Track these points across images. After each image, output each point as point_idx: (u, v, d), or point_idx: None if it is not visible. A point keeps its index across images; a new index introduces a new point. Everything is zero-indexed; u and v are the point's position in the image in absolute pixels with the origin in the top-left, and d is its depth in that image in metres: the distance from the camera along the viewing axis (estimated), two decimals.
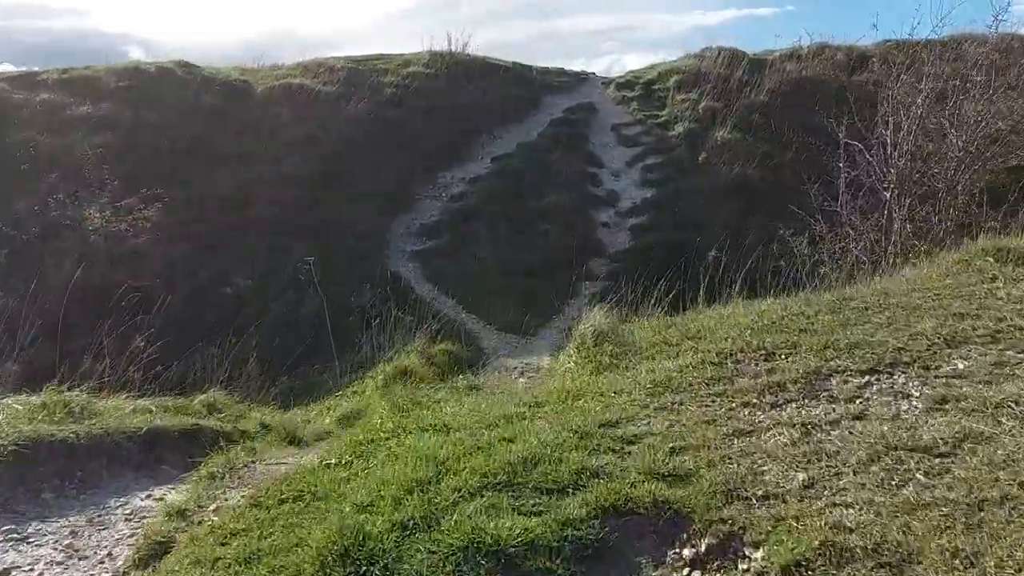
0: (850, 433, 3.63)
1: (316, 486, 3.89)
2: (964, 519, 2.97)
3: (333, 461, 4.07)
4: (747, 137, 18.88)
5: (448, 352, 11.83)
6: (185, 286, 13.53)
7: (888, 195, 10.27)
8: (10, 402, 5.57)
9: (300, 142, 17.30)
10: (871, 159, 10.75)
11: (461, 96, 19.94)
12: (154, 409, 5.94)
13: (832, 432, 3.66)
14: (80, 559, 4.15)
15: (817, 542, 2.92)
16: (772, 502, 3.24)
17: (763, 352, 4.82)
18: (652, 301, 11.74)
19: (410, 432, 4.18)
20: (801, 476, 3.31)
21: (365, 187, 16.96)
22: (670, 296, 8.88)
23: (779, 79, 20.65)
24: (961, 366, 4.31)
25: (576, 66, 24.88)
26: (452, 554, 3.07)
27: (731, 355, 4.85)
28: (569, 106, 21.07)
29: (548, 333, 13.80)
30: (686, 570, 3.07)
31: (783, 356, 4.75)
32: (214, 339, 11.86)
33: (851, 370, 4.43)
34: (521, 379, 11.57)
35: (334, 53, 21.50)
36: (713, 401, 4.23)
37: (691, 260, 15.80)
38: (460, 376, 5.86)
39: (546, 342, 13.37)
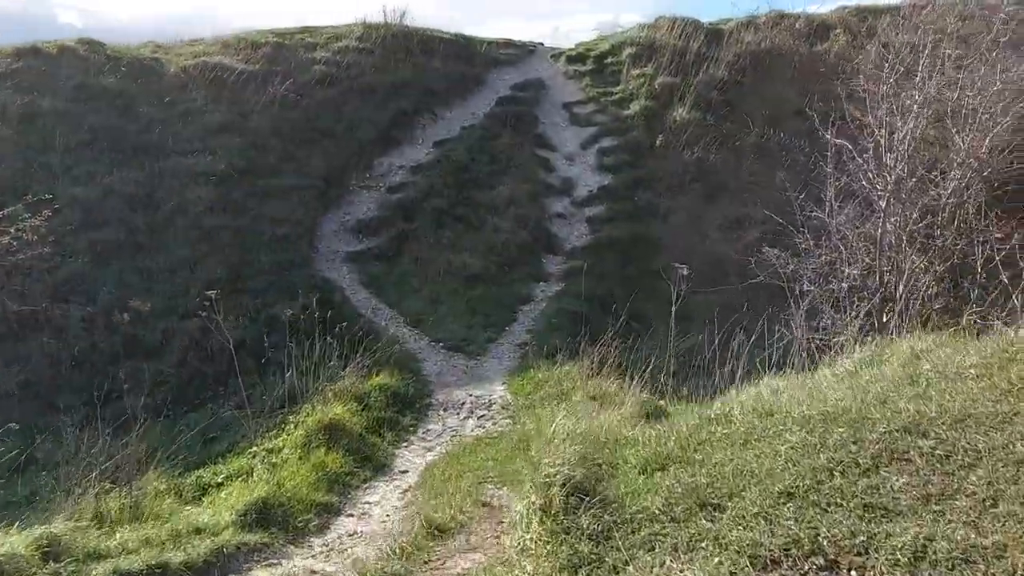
0: None
1: None
2: None
3: None
4: (707, 116, 17.12)
5: (385, 389, 9.93)
6: (78, 312, 11.37)
7: (883, 203, 8.57)
8: None
9: (217, 130, 14.98)
10: (863, 163, 9.01)
11: (399, 73, 17.71)
12: None
13: None
14: None
15: None
16: None
17: (821, 561, 3.11)
18: (601, 343, 10.03)
19: None
20: None
21: (292, 180, 14.79)
22: (648, 366, 7.16)
23: (737, 51, 18.84)
24: None
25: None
26: None
27: (772, 564, 3.13)
28: (517, 82, 18.99)
29: (501, 350, 11.98)
30: None
31: (853, 572, 3.04)
32: (103, 381, 9.82)
33: None
34: (470, 421, 9.77)
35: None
36: None
37: (656, 266, 14.12)
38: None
39: (498, 362, 11.54)
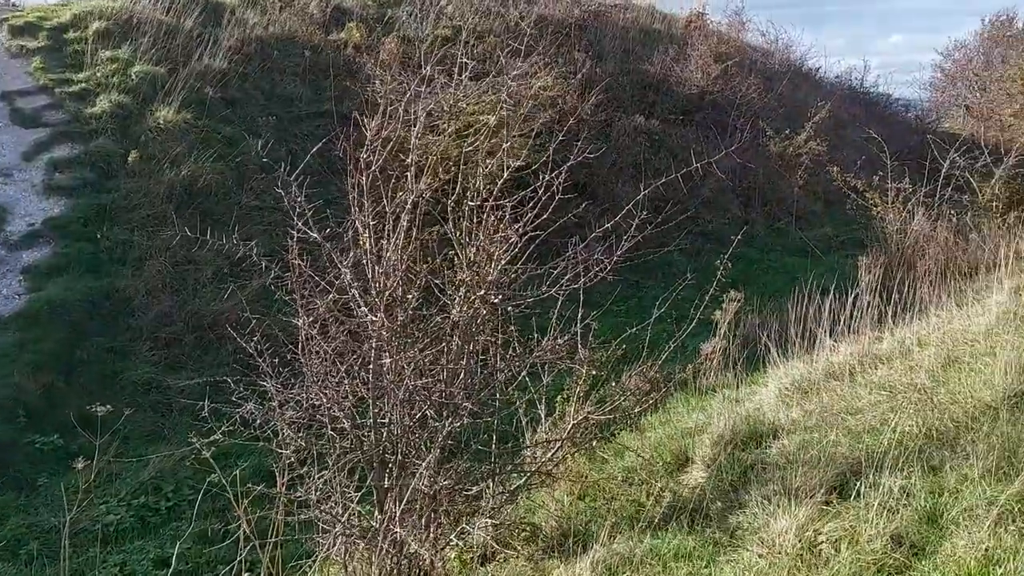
0: None
1: None
2: None
3: None
4: (200, 120, 12.81)
5: None
6: None
7: (374, 334, 5.42)
8: None
9: None
10: (343, 264, 5.64)
11: None
12: None
13: None
14: None
15: None
16: None
17: None
18: None
19: None
20: None
21: None
22: None
23: (241, 36, 14.70)
24: None
25: None
26: None
27: None
28: None
29: None
30: None
31: None
32: None
33: None
34: None
35: None
36: None
37: (122, 340, 9.78)
38: None
39: None
